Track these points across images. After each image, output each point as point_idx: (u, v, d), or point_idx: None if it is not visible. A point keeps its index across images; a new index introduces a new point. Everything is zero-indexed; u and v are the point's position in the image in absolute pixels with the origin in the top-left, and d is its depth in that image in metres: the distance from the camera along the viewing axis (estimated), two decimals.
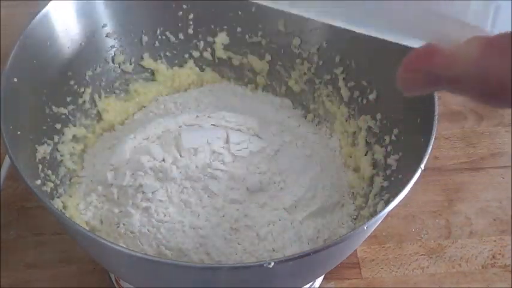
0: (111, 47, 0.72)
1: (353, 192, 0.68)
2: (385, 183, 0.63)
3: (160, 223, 0.61)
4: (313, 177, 0.66)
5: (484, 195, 0.78)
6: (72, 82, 0.68)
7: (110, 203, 0.64)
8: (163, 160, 0.64)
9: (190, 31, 0.75)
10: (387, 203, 0.53)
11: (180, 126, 0.68)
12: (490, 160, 0.81)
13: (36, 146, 0.62)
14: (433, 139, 0.55)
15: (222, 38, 0.75)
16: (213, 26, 0.75)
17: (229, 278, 0.51)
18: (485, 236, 0.74)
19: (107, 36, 0.71)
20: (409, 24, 0.37)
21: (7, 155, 0.61)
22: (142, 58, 0.74)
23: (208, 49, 0.76)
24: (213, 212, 0.62)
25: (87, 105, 0.70)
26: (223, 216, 0.61)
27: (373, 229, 0.56)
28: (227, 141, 0.65)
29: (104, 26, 0.70)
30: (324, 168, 0.68)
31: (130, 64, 0.74)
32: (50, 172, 0.63)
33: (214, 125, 0.68)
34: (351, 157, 0.70)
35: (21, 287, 0.68)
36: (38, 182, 0.60)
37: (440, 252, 0.73)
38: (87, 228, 0.60)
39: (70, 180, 0.67)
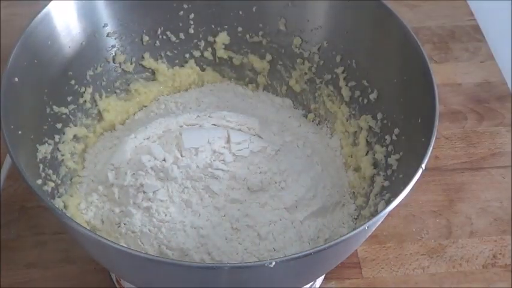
0: (111, 46, 0.72)
1: (354, 192, 0.68)
2: (386, 183, 0.63)
3: (161, 223, 0.61)
4: (313, 177, 0.66)
5: (484, 195, 0.78)
6: (73, 82, 0.68)
7: (111, 203, 0.64)
8: (164, 160, 0.64)
9: (191, 31, 0.75)
10: (388, 202, 0.53)
11: (181, 126, 0.68)
12: (490, 160, 0.81)
13: (37, 145, 0.62)
14: (433, 139, 0.55)
15: (222, 38, 0.75)
16: (213, 26, 0.75)
17: (230, 278, 0.51)
18: (486, 236, 0.74)
19: (107, 35, 0.71)
20: None
21: (8, 155, 0.61)
22: (143, 58, 0.74)
23: (209, 49, 0.76)
24: (214, 211, 0.62)
25: (88, 105, 0.70)
26: (224, 215, 0.62)
27: (373, 229, 0.56)
28: (228, 141, 0.65)
29: (105, 25, 0.70)
30: (324, 168, 0.68)
31: (131, 64, 0.74)
32: (50, 172, 0.63)
33: (215, 124, 0.68)
34: (351, 157, 0.70)
35: (21, 287, 0.68)
36: (39, 181, 0.60)
37: (440, 252, 0.73)
38: (88, 228, 0.60)
39: (71, 179, 0.67)
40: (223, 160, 0.64)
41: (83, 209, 0.65)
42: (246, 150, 0.65)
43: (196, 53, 0.76)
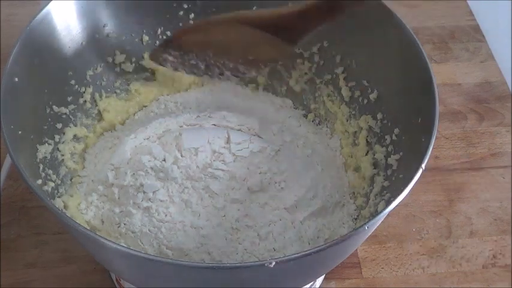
0: (112, 46, 0.72)
1: (354, 192, 0.68)
2: (386, 183, 0.63)
3: (161, 223, 0.61)
4: (314, 177, 0.66)
5: (484, 195, 0.78)
6: (73, 82, 0.68)
7: (111, 203, 0.64)
8: (164, 160, 0.64)
9: None
10: (388, 202, 0.53)
11: (180, 126, 0.68)
12: (490, 160, 0.81)
13: (37, 145, 0.62)
14: (433, 139, 0.55)
15: None
16: None
17: (230, 278, 0.51)
18: (486, 236, 0.74)
19: (107, 35, 0.71)
20: None
21: (8, 155, 0.61)
22: (143, 58, 0.74)
23: None
24: (213, 211, 0.62)
25: (88, 105, 0.70)
26: (224, 216, 0.62)
27: (373, 229, 0.56)
28: (228, 141, 0.65)
29: (105, 25, 0.70)
30: (324, 168, 0.68)
31: (131, 64, 0.74)
32: (50, 172, 0.63)
33: (215, 125, 0.68)
34: (351, 157, 0.70)
35: (22, 287, 0.68)
36: (39, 181, 0.60)
37: (440, 252, 0.73)
38: (88, 228, 0.60)
39: (71, 179, 0.67)
40: (223, 160, 0.64)
41: (83, 209, 0.65)
42: (246, 151, 0.65)
43: None
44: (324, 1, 0.61)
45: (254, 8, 0.73)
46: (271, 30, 0.65)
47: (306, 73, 0.75)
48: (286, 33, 0.65)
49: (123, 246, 0.51)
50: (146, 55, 0.74)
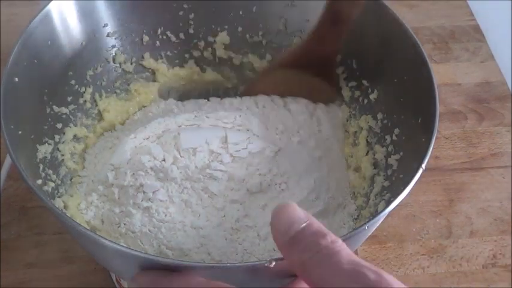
0: (112, 46, 0.72)
1: (354, 192, 0.68)
2: (386, 183, 0.63)
3: (161, 223, 0.61)
4: (317, 178, 0.65)
5: (484, 195, 0.78)
6: (73, 82, 0.68)
7: (111, 203, 0.64)
8: (164, 160, 0.64)
9: (191, 31, 0.75)
10: (388, 202, 0.53)
11: (179, 126, 0.68)
12: (490, 160, 0.81)
13: (37, 145, 0.62)
14: (434, 139, 0.55)
15: (222, 38, 0.75)
16: (213, 26, 0.75)
17: (230, 278, 0.51)
18: (486, 236, 0.74)
19: (107, 35, 0.71)
20: None
21: (8, 155, 0.61)
22: (143, 58, 0.74)
23: (209, 49, 0.76)
24: (213, 212, 0.62)
25: (88, 105, 0.70)
26: (224, 216, 0.61)
27: (373, 229, 0.55)
28: (226, 142, 0.65)
29: (105, 25, 0.70)
30: (330, 169, 0.68)
31: (131, 64, 0.74)
32: (51, 172, 0.63)
33: (213, 125, 0.68)
34: (351, 157, 0.70)
35: (22, 286, 0.68)
36: (39, 181, 0.60)
37: (441, 252, 0.73)
38: (88, 228, 0.60)
39: (71, 179, 0.67)
40: (221, 161, 0.63)
41: (83, 209, 0.65)
42: (244, 151, 0.65)
43: (196, 53, 0.76)
44: (326, 14, 0.64)
45: (254, 8, 0.73)
46: (307, 68, 0.68)
47: None
48: (320, 68, 0.67)
49: (123, 246, 0.51)
50: (146, 55, 0.74)
